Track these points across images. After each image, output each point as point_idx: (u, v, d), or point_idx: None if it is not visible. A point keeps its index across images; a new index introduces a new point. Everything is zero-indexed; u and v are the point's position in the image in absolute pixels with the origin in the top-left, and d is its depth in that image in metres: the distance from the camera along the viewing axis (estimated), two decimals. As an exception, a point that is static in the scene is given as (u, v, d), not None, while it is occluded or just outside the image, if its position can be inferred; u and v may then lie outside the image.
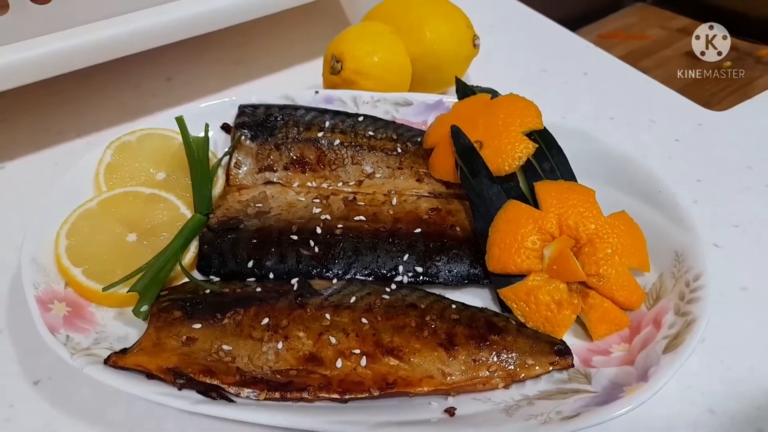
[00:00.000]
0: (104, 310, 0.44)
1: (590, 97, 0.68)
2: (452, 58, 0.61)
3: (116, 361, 0.38)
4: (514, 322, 0.42)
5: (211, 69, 0.72)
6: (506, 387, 0.39)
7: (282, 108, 0.56)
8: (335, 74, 0.57)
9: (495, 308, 0.45)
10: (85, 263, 0.44)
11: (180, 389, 0.37)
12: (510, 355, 0.40)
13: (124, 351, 0.39)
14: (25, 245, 0.44)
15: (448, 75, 0.61)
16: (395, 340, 0.40)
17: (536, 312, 0.42)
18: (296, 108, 0.56)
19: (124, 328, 0.43)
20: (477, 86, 0.57)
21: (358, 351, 0.39)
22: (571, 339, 0.43)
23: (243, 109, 0.55)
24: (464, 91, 0.56)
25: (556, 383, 0.40)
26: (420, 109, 0.57)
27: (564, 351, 0.40)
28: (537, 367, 0.40)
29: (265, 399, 0.37)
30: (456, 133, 0.50)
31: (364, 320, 0.41)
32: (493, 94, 0.55)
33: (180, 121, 0.52)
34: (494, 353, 0.40)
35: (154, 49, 0.63)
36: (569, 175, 0.48)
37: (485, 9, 0.81)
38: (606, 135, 0.59)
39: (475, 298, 0.46)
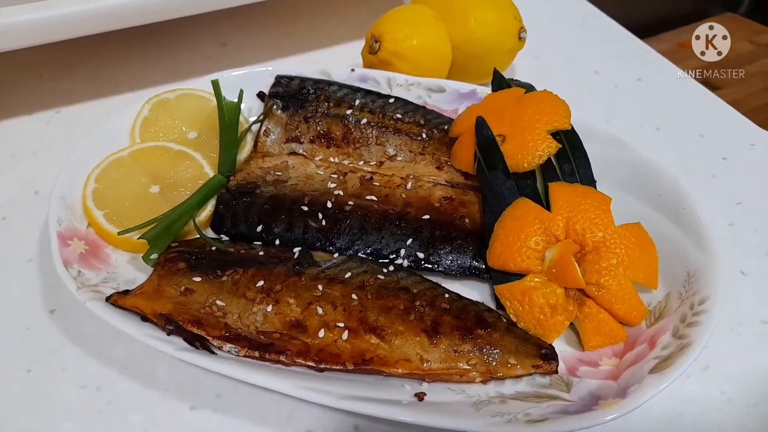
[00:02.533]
0: (119, 253, 0.47)
1: (640, 104, 0.65)
2: (495, 49, 0.59)
3: (117, 300, 0.40)
4: (505, 320, 0.42)
5: (264, 39, 0.74)
6: (484, 382, 0.39)
7: (316, 82, 0.56)
8: (373, 54, 0.58)
9: (492, 304, 0.44)
10: (108, 207, 0.47)
11: (168, 335, 0.39)
12: (493, 352, 0.40)
13: (126, 292, 0.41)
14: (57, 184, 0.47)
15: (490, 65, 0.59)
16: (380, 319, 0.40)
17: (529, 313, 0.41)
18: (330, 83, 0.56)
19: (134, 273, 0.45)
20: (515, 80, 0.56)
21: (342, 324, 0.40)
22: (562, 345, 0.42)
23: (279, 80, 0.57)
24: (500, 83, 0.55)
25: (536, 387, 0.39)
26: (452, 97, 0.56)
27: (550, 356, 0.40)
28: (518, 368, 0.39)
29: (244, 356, 0.39)
30: (480, 124, 0.49)
31: (354, 296, 0.41)
32: (529, 89, 0.53)
33: (215, 84, 0.53)
34: (477, 347, 0.40)
35: (213, 15, 0.65)
36: (588, 180, 0.46)
37: (546, 2, 0.79)
38: (648, 145, 0.57)
39: (474, 291, 0.46)
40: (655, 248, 0.43)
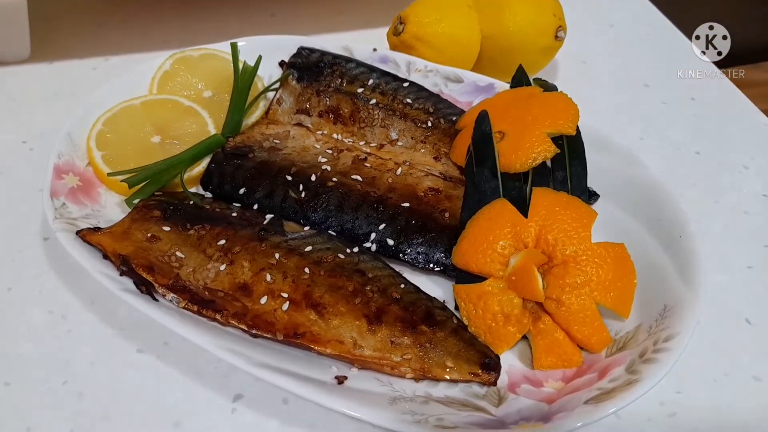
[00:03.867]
0: (111, 194, 0.49)
1: (685, 124, 0.59)
2: (528, 45, 0.56)
3: (84, 234, 0.42)
4: (456, 322, 0.40)
5: (313, 14, 0.75)
6: (416, 379, 0.38)
7: (336, 57, 0.56)
8: (396, 35, 0.57)
9: (453, 304, 0.42)
10: (108, 149, 0.49)
11: (120, 275, 0.40)
12: (431, 351, 0.38)
13: (97, 229, 0.43)
14: (68, 121, 0.50)
15: (522, 62, 0.56)
16: (325, 297, 0.39)
17: (481, 318, 0.39)
18: (349, 60, 0.56)
19: (119, 215, 0.47)
20: (540, 79, 0.53)
21: (285, 295, 0.39)
22: (513, 359, 0.40)
23: (300, 51, 0.57)
24: (520, 80, 0.52)
25: (468, 395, 0.37)
26: (469, 89, 0.54)
27: (491, 366, 0.37)
28: (455, 372, 0.37)
29: (183, 307, 0.39)
30: (481, 119, 0.47)
31: (307, 270, 0.41)
32: (551, 89, 0.50)
33: (233, 46, 0.54)
34: (416, 343, 0.38)
35: None
36: (580, 191, 0.43)
37: (614, 7, 0.74)
38: (679, 168, 0.53)
39: (438, 288, 0.44)
40: (634, 274, 0.39)
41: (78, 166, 0.48)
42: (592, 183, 0.47)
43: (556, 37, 0.57)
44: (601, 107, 0.61)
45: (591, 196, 0.47)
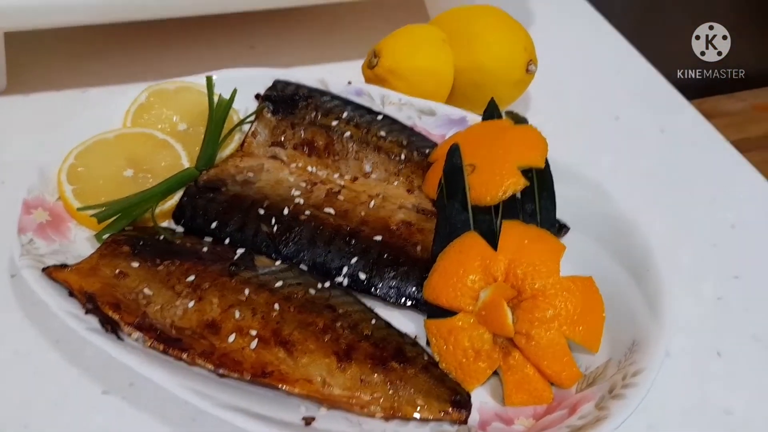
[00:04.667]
0: (81, 229, 0.48)
1: (655, 156, 0.60)
2: (499, 78, 0.57)
3: (51, 272, 0.41)
4: (426, 358, 0.39)
5: (292, 45, 0.75)
6: (386, 419, 0.37)
7: (311, 90, 0.56)
8: (370, 69, 0.57)
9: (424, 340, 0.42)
10: (79, 183, 0.48)
11: (86, 313, 0.40)
12: (402, 389, 0.37)
13: (64, 266, 0.42)
14: (36, 156, 0.49)
15: (494, 95, 0.57)
16: (294, 334, 0.39)
17: (452, 354, 0.39)
18: (324, 93, 0.56)
19: (89, 250, 0.46)
20: (512, 111, 0.54)
21: (254, 333, 0.39)
22: (485, 396, 0.39)
23: (276, 84, 0.57)
24: (491, 113, 0.53)
25: (438, 434, 0.36)
26: (442, 122, 0.55)
27: (462, 404, 0.37)
28: (425, 410, 0.37)
29: (149, 347, 0.39)
30: (452, 152, 0.47)
31: (276, 306, 0.40)
32: (522, 122, 0.51)
33: (209, 80, 0.55)
34: (387, 380, 0.38)
35: (246, 16, 0.67)
36: (549, 224, 0.43)
37: (588, 40, 0.75)
38: (650, 200, 0.53)
39: (411, 323, 0.44)
40: (603, 308, 0.39)
41: (48, 200, 0.48)
42: (562, 215, 0.47)
43: (527, 70, 0.58)
44: (572, 139, 0.61)
45: (561, 229, 0.47)
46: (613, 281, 0.42)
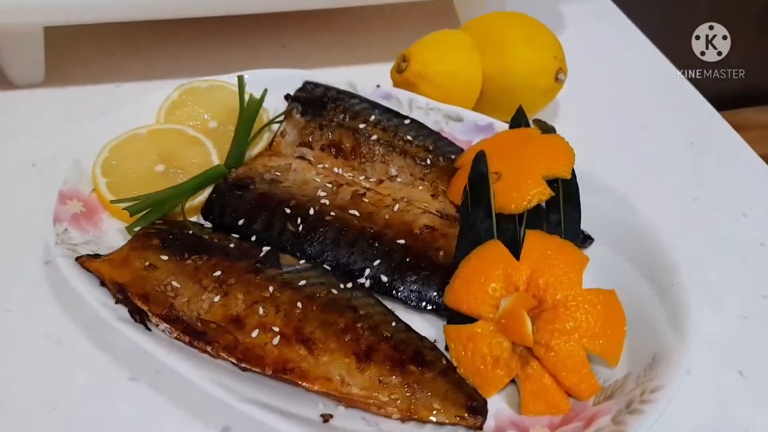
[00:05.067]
0: (113, 221, 0.50)
1: (683, 169, 0.60)
2: (528, 86, 0.57)
3: (84, 261, 0.42)
4: (445, 363, 0.40)
5: (323, 46, 0.76)
6: (402, 420, 0.38)
7: (339, 93, 0.57)
8: (399, 73, 0.58)
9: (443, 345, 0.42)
10: (112, 177, 0.50)
11: (116, 303, 0.41)
12: (419, 392, 0.38)
13: (96, 256, 0.44)
14: (73, 148, 0.51)
15: (522, 102, 0.57)
16: (316, 333, 0.40)
17: (470, 361, 0.39)
18: (352, 96, 0.57)
19: (120, 241, 0.48)
20: (540, 120, 0.54)
21: (277, 329, 0.40)
22: (501, 403, 0.39)
23: (306, 85, 0.58)
24: (519, 120, 0.53)
25: (453, 438, 0.37)
26: (469, 128, 0.55)
27: (478, 410, 0.37)
28: (441, 414, 0.37)
29: (175, 338, 0.40)
30: (478, 159, 0.47)
31: (299, 304, 0.41)
32: (549, 131, 0.51)
33: (240, 79, 0.56)
34: (404, 383, 0.38)
35: (278, 16, 0.68)
36: (573, 235, 0.43)
37: (618, 48, 0.75)
38: (676, 214, 0.53)
39: (431, 327, 0.44)
40: (624, 321, 0.39)
41: (82, 192, 0.49)
42: (586, 226, 0.47)
43: (557, 79, 0.57)
44: (600, 148, 0.61)
45: (585, 240, 0.47)
46: (636, 294, 0.42)
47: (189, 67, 0.72)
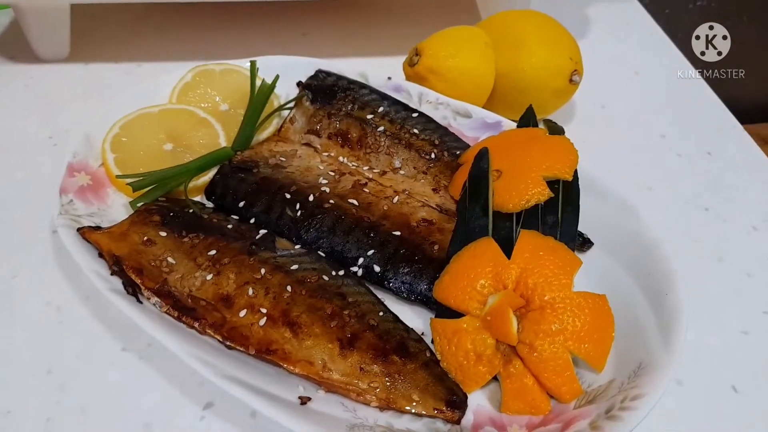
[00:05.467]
0: (119, 195, 0.51)
1: (698, 178, 0.58)
2: (541, 86, 0.57)
3: (84, 232, 0.44)
4: (428, 355, 0.40)
5: (342, 35, 0.77)
6: (380, 409, 0.38)
7: (350, 83, 0.57)
8: (411, 66, 0.58)
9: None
10: (120, 152, 0.51)
11: (111, 274, 0.42)
12: (400, 382, 0.38)
13: (97, 228, 0.45)
14: (87, 123, 0.52)
15: (533, 102, 0.57)
16: (302, 317, 0.40)
17: (454, 355, 0.39)
18: (363, 86, 0.57)
19: (123, 216, 0.49)
20: (550, 120, 0.53)
21: (264, 311, 0.40)
22: (482, 399, 0.39)
23: (318, 73, 0.58)
24: (528, 120, 0.52)
25: (428, 429, 0.37)
26: (477, 125, 0.55)
27: (457, 404, 0.37)
28: (419, 406, 0.37)
29: (165, 312, 0.40)
30: (480, 156, 0.47)
31: (289, 288, 0.42)
32: (555, 131, 0.50)
33: (252, 64, 0.56)
34: (385, 372, 0.38)
35: (300, 5, 0.68)
36: (569, 238, 0.43)
37: (643, 53, 0.73)
38: (685, 225, 0.52)
39: (419, 319, 0.44)
40: (613, 327, 0.38)
41: (91, 165, 0.51)
42: (587, 230, 0.47)
43: (571, 80, 0.57)
44: (614, 153, 0.60)
45: (584, 244, 0.46)
46: (629, 301, 0.41)
47: (210, 50, 0.73)
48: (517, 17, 0.59)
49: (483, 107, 0.56)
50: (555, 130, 0.51)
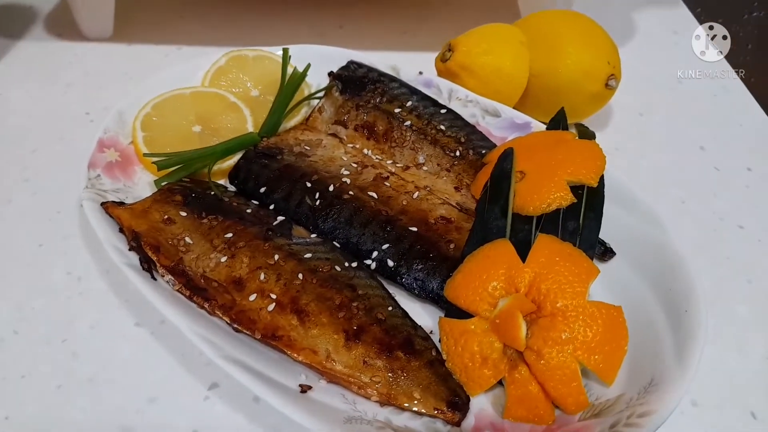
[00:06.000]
0: (147, 174, 0.52)
1: (735, 194, 0.56)
2: (575, 89, 0.55)
3: (107, 207, 0.45)
4: (434, 354, 0.39)
5: (379, 29, 0.76)
6: (381, 404, 0.37)
7: (381, 75, 0.57)
8: (443, 62, 0.57)
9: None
10: (150, 131, 0.52)
11: (129, 250, 0.43)
12: (402, 378, 0.37)
13: (121, 203, 0.46)
14: (121, 101, 0.53)
15: (566, 104, 0.55)
16: (311, 305, 0.40)
17: (460, 356, 0.38)
18: (393, 80, 0.57)
19: (147, 194, 0.50)
20: (582, 125, 0.52)
21: (274, 296, 0.40)
22: (486, 404, 0.39)
23: (349, 64, 0.58)
24: (558, 122, 0.51)
25: (427, 429, 0.36)
26: (505, 125, 0.53)
27: (458, 406, 0.37)
28: (420, 404, 0.37)
29: (177, 290, 0.41)
30: (504, 156, 0.46)
31: (300, 276, 0.42)
32: (586, 135, 0.49)
33: (285, 51, 0.57)
34: (389, 367, 0.38)
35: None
36: (588, 245, 0.41)
37: (690, 62, 0.71)
38: (717, 240, 0.50)
39: (429, 317, 0.44)
40: (626, 341, 0.37)
41: (121, 142, 0.52)
42: (612, 239, 0.45)
43: (607, 85, 0.55)
44: (649, 163, 0.59)
45: (606, 253, 0.45)
46: (647, 315, 0.40)
47: (248, 37, 0.74)
48: (555, 17, 0.58)
49: (515, 107, 0.55)
50: (585, 134, 0.49)
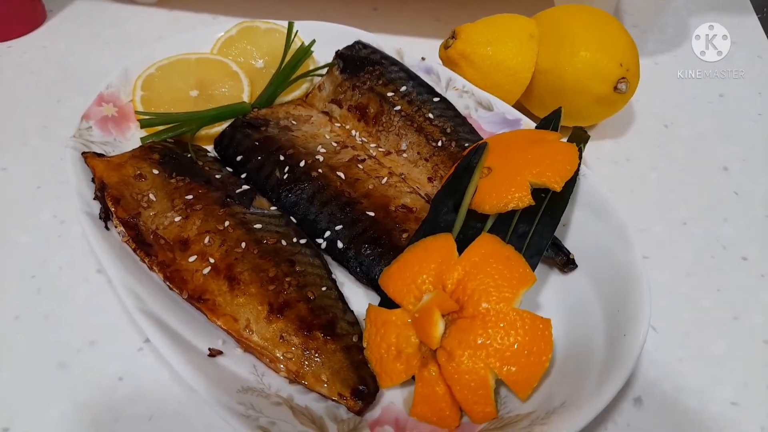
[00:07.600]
0: (139, 132, 0.54)
1: (746, 224, 0.50)
2: (580, 89, 0.52)
3: (87, 156, 0.47)
4: (354, 340, 0.38)
5: (411, 14, 0.75)
6: (290, 381, 0.37)
7: (383, 58, 0.56)
8: (445, 48, 0.55)
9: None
10: (149, 91, 0.54)
11: (94, 199, 0.45)
12: (315, 359, 0.37)
13: (100, 155, 0.48)
14: (129, 60, 0.56)
15: (570, 105, 0.52)
16: (244, 275, 0.40)
17: (377, 346, 0.37)
18: (394, 63, 0.56)
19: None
20: (581, 129, 0.48)
21: (212, 260, 0.41)
22: (398, 398, 0.37)
23: (355, 44, 0.58)
24: (549, 121, 0.48)
25: (328, 415, 0.36)
26: (497, 119, 0.51)
27: (362, 395, 0.36)
28: (324, 387, 0.36)
29: (125, 242, 0.43)
30: (475, 150, 0.44)
31: (243, 245, 0.42)
32: (578, 139, 0.46)
33: (290, 25, 0.57)
34: (303, 346, 0.37)
35: None
36: (534, 251, 0.39)
37: (736, 76, 0.64)
38: (714, 269, 0.46)
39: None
40: (548, 356, 0.34)
41: (121, 99, 0.54)
42: (576, 248, 0.42)
43: (616, 88, 0.51)
44: (659, 177, 0.54)
45: (568, 264, 0.42)
46: (588, 333, 0.37)
47: (284, 11, 0.74)
48: (575, 12, 0.54)
49: (517, 103, 0.52)
50: (576, 137, 0.46)
